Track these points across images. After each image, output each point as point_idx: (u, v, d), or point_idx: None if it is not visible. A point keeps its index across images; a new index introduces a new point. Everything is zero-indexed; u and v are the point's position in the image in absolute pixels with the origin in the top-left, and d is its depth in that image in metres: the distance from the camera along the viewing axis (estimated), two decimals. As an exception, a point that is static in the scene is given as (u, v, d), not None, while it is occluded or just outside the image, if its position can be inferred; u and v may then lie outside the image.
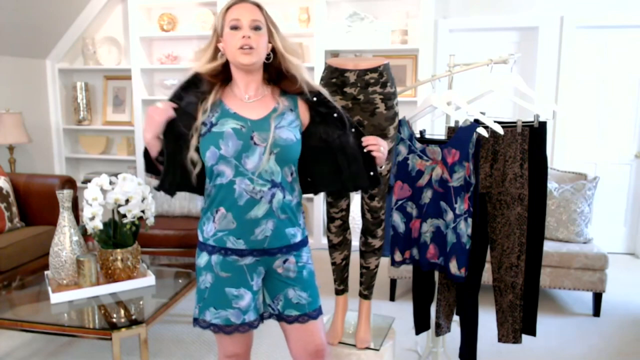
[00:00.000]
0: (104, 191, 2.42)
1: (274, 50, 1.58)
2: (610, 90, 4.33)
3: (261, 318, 1.67)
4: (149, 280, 2.50)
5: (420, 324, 2.37)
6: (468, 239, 2.00)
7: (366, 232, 2.06)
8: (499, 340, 2.26)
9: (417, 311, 2.36)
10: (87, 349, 2.78)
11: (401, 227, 2.16)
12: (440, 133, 2.63)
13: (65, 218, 2.40)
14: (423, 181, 2.11)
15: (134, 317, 2.22)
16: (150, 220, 2.51)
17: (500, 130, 1.99)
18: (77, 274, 2.39)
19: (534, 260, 2.15)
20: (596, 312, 3.22)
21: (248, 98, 1.58)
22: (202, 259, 1.61)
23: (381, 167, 1.68)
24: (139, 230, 2.50)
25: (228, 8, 1.54)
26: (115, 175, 2.47)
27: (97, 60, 4.97)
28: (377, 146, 1.63)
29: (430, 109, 2.22)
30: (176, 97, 1.58)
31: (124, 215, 2.42)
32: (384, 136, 1.92)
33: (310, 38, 4.41)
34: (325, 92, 1.65)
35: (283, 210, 1.57)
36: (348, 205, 2.05)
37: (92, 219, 2.38)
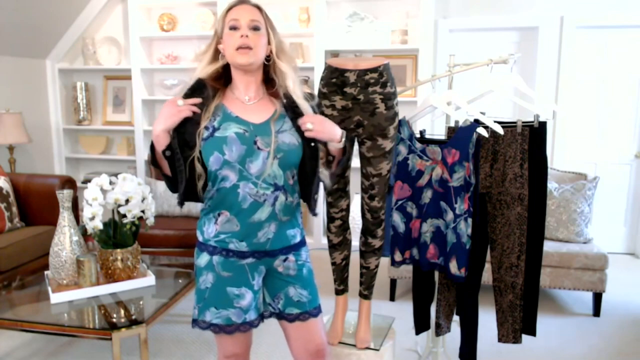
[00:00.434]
0: (104, 191, 2.42)
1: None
2: (610, 90, 4.33)
3: (261, 317, 1.67)
4: (149, 280, 2.50)
5: (420, 324, 2.37)
6: (468, 239, 2.00)
7: (366, 232, 2.06)
8: (499, 340, 2.26)
9: (417, 311, 2.36)
10: (87, 349, 2.78)
11: (401, 227, 2.16)
12: (440, 133, 2.62)
13: (65, 218, 2.40)
14: (423, 181, 2.11)
15: (134, 317, 2.22)
16: (150, 220, 2.51)
17: (500, 130, 1.99)
18: (77, 274, 2.39)
19: (534, 260, 2.15)
20: (596, 312, 3.22)
21: (248, 99, 1.58)
22: (203, 259, 1.61)
23: (341, 142, 1.59)
24: (139, 230, 2.50)
25: (228, 9, 1.55)
26: (115, 175, 2.47)
27: (97, 60, 4.97)
28: (307, 126, 1.52)
29: (430, 109, 2.22)
30: None
31: (124, 215, 2.42)
32: (384, 136, 1.92)
33: (310, 38, 4.41)
34: (303, 104, 1.58)
35: (285, 212, 1.58)
36: (348, 205, 2.05)
37: (92, 219, 2.38)
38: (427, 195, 2.10)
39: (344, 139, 1.62)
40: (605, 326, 3.09)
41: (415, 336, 2.53)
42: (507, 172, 2.09)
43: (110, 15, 4.95)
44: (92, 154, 5.10)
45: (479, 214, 2.06)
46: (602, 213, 4.38)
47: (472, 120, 2.05)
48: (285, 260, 1.63)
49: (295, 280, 1.65)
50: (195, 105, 1.52)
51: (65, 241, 2.39)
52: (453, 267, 2.05)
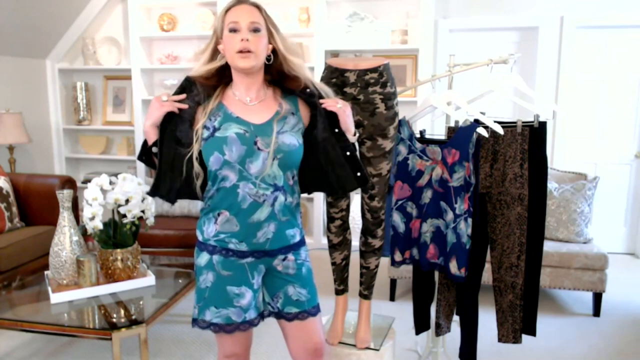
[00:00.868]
0: (104, 191, 2.42)
1: (274, 51, 1.57)
2: (610, 90, 4.33)
3: (261, 316, 1.67)
4: (149, 280, 2.50)
5: (420, 324, 2.37)
6: (468, 239, 2.01)
7: (366, 232, 2.06)
8: (499, 340, 2.26)
9: (417, 311, 2.36)
10: (87, 349, 2.79)
11: (401, 227, 2.16)
12: (440, 133, 2.63)
13: (65, 218, 2.40)
14: (423, 181, 2.11)
15: (134, 317, 2.22)
16: (150, 220, 2.51)
17: (500, 130, 1.99)
18: (77, 274, 2.39)
19: (534, 260, 2.15)
20: (596, 312, 3.22)
21: (250, 100, 1.58)
22: (203, 258, 1.61)
23: (355, 135, 1.66)
24: (139, 230, 2.50)
25: (227, 10, 1.53)
26: (115, 175, 2.47)
27: (97, 60, 4.97)
28: (334, 104, 1.58)
29: (430, 109, 2.22)
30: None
31: (124, 215, 2.42)
32: (384, 136, 1.92)
33: (310, 38, 4.41)
34: (328, 90, 1.64)
35: (284, 212, 1.58)
36: (348, 205, 2.05)
37: (92, 219, 2.38)
38: (427, 195, 2.10)
39: (357, 135, 1.68)
40: (605, 326, 3.09)
41: (415, 336, 2.53)
42: (507, 172, 2.09)
43: (110, 15, 4.95)
44: (92, 154, 5.10)
45: (479, 214, 2.06)
46: (602, 213, 4.38)
47: (472, 120, 2.05)
48: (284, 259, 1.63)
49: (294, 279, 1.65)
50: (182, 102, 1.55)
51: (65, 241, 2.39)
52: (453, 267, 2.05)
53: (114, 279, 2.44)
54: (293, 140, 1.55)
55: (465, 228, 2.00)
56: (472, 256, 2.08)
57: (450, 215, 2.04)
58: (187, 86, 1.58)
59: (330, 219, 2.06)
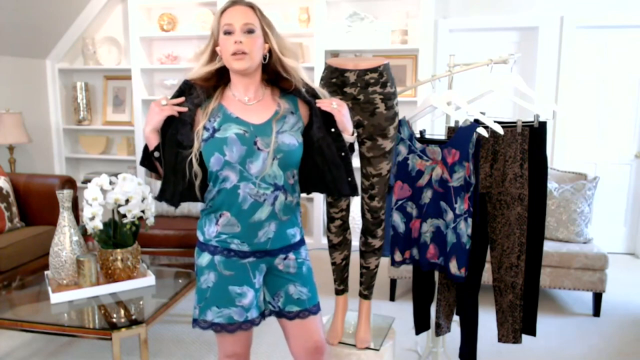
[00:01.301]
0: (104, 191, 2.42)
1: (270, 50, 1.57)
2: (610, 90, 4.33)
3: (262, 316, 1.67)
4: (149, 280, 2.50)
5: (420, 324, 2.37)
6: (468, 239, 2.00)
7: (366, 232, 2.06)
8: (499, 340, 2.26)
9: (417, 311, 2.36)
10: (87, 349, 2.79)
11: (401, 227, 2.16)
12: (440, 133, 2.63)
13: (65, 218, 2.40)
14: (423, 181, 2.11)
15: (134, 317, 2.22)
16: (150, 220, 2.51)
17: (500, 130, 1.99)
18: (77, 274, 2.39)
19: (534, 260, 2.15)
20: (596, 312, 3.22)
21: (248, 100, 1.58)
22: (204, 258, 1.61)
23: (353, 135, 1.65)
24: (139, 230, 2.50)
25: (222, 12, 1.54)
26: (115, 175, 2.47)
27: (97, 60, 4.97)
28: (329, 104, 1.58)
29: (430, 109, 2.22)
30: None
31: (124, 215, 2.42)
32: (384, 136, 1.92)
33: (310, 38, 4.41)
34: (322, 92, 1.64)
35: (284, 211, 1.58)
36: (348, 205, 2.05)
37: (92, 219, 2.38)
38: (427, 195, 2.10)
39: (355, 135, 1.67)
40: (605, 326, 3.09)
41: (415, 336, 2.53)
42: (507, 172, 2.09)
43: (110, 15, 4.95)
44: (92, 154, 5.10)
45: (479, 214, 2.06)
46: (602, 213, 4.38)
47: (472, 120, 2.05)
48: (285, 258, 1.64)
49: (295, 278, 1.66)
50: (181, 105, 1.55)
51: (65, 241, 2.39)
52: (453, 267, 2.05)
53: (114, 279, 2.44)
54: (292, 139, 1.56)
55: (465, 228, 2.00)
56: (472, 256, 2.08)
57: (450, 215, 2.04)
58: (186, 89, 1.58)
59: (330, 219, 2.06)
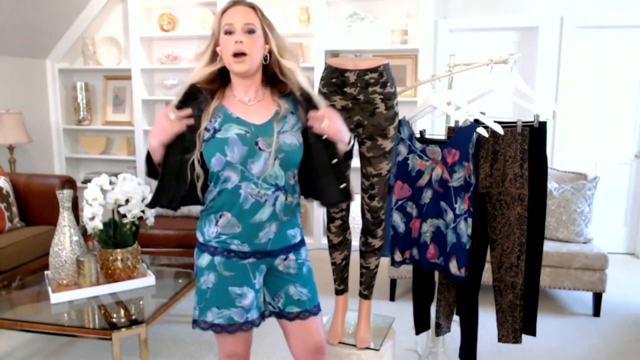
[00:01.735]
0: (104, 191, 2.42)
1: (270, 51, 1.57)
2: (610, 90, 4.33)
3: (262, 317, 1.67)
4: (149, 280, 2.50)
5: (420, 324, 2.37)
6: (468, 239, 2.00)
7: (366, 232, 2.06)
8: (499, 340, 2.27)
9: (417, 311, 2.36)
10: (87, 349, 2.79)
11: (401, 227, 2.16)
12: (440, 133, 2.62)
13: (65, 218, 2.40)
14: (423, 181, 2.11)
15: (134, 317, 2.22)
16: (150, 220, 2.51)
17: (500, 130, 1.99)
18: (77, 274, 2.39)
19: (534, 260, 2.15)
20: (596, 312, 3.22)
21: (248, 100, 1.58)
22: (204, 259, 1.60)
23: (349, 144, 1.62)
24: (139, 230, 2.50)
25: (223, 11, 1.53)
26: (115, 175, 2.47)
27: (97, 60, 4.97)
28: (319, 123, 1.51)
29: (430, 109, 2.22)
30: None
31: (124, 215, 2.42)
32: (384, 136, 1.92)
33: (310, 38, 4.41)
34: (318, 99, 1.60)
35: (285, 212, 1.58)
36: (348, 206, 2.05)
37: (92, 219, 2.38)
38: (427, 195, 2.10)
39: (352, 143, 1.65)
40: (605, 326, 3.09)
41: (415, 336, 2.53)
42: (507, 172, 2.09)
43: (110, 15, 4.95)
44: (92, 154, 5.10)
45: (479, 214, 2.06)
46: (602, 213, 4.38)
47: (472, 120, 2.05)
48: (285, 259, 1.64)
49: (295, 278, 1.66)
50: (191, 108, 1.52)
51: (65, 241, 2.39)
52: (453, 267, 2.05)
53: (114, 279, 2.44)
54: (293, 139, 1.56)
55: (465, 228, 2.00)
56: (472, 256, 2.08)
57: (450, 215, 2.04)
58: (192, 93, 1.55)
59: (330, 219, 2.06)
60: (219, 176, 1.52)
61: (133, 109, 4.89)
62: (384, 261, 2.62)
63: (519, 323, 2.21)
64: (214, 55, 1.57)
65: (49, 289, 2.37)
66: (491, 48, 4.38)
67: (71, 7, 4.67)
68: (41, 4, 4.25)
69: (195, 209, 3.88)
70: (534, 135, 2.06)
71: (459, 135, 2.00)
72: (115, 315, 2.24)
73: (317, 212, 4.58)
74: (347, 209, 2.05)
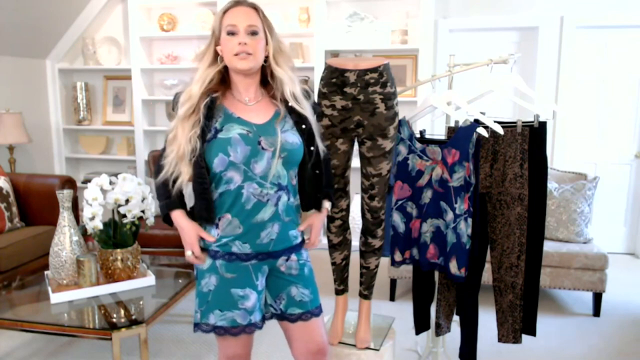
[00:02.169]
0: (104, 191, 2.42)
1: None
2: (610, 90, 4.33)
3: (263, 319, 1.67)
4: (149, 280, 2.50)
5: (420, 324, 2.37)
6: (468, 239, 2.00)
7: (366, 232, 2.06)
8: (499, 340, 2.27)
9: (417, 311, 2.36)
10: (87, 349, 2.78)
11: (401, 227, 2.16)
12: (440, 133, 2.62)
13: (65, 218, 2.40)
14: (423, 181, 2.11)
15: (134, 317, 2.22)
16: (150, 220, 2.51)
17: (500, 130, 1.99)
18: (77, 274, 2.39)
19: (534, 260, 2.15)
20: (596, 312, 3.22)
21: (248, 100, 1.58)
22: (205, 262, 1.60)
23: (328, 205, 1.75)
24: (139, 230, 2.50)
25: (225, 11, 1.53)
26: (115, 175, 2.47)
27: (97, 60, 4.97)
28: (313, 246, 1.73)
29: (430, 109, 2.22)
30: None
31: (124, 215, 2.42)
32: (384, 136, 1.92)
33: (310, 38, 4.41)
34: (305, 107, 1.60)
35: (287, 212, 1.58)
36: (348, 205, 2.05)
37: (92, 219, 2.38)
38: (427, 195, 2.10)
39: (330, 205, 1.75)
40: (605, 326, 3.09)
41: (415, 336, 2.53)
42: (507, 172, 2.09)
43: (110, 15, 4.95)
44: (92, 154, 5.09)
45: (479, 214, 2.06)
46: (602, 213, 4.37)
47: (472, 120, 2.05)
48: (287, 260, 1.63)
49: (297, 279, 1.65)
50: (206, 124, 1.51)
51: (65, 241, 2.39)
52: (453, 267, 2.05)
53: (114, 279, 2.44)
54: (295, 138, 1.56)
55: (465, 228, 2.00)
56: (472, 256, 2.08)
57: (450, 215, 2.04)
58: (212, 106, 1.53)
59: (330, 219, 2.06)
60: (221, 177, 1.52)
61: (133, 109, 4.89)
62: (384, 261, 2.62)
63: (519, 323, 2.21)
64: (216, 56, 1.56)
65: (49, 289, 2.37)
66: (491, 48, 4.37)
67: (71, 7, 4.67)
68: (41, 4, 4.25)
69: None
70: (534, 135, 2.06)
71: (459, 135, 2.00)
72: (115, 315, 2.24)
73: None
74: (347, 209, 2.06)
